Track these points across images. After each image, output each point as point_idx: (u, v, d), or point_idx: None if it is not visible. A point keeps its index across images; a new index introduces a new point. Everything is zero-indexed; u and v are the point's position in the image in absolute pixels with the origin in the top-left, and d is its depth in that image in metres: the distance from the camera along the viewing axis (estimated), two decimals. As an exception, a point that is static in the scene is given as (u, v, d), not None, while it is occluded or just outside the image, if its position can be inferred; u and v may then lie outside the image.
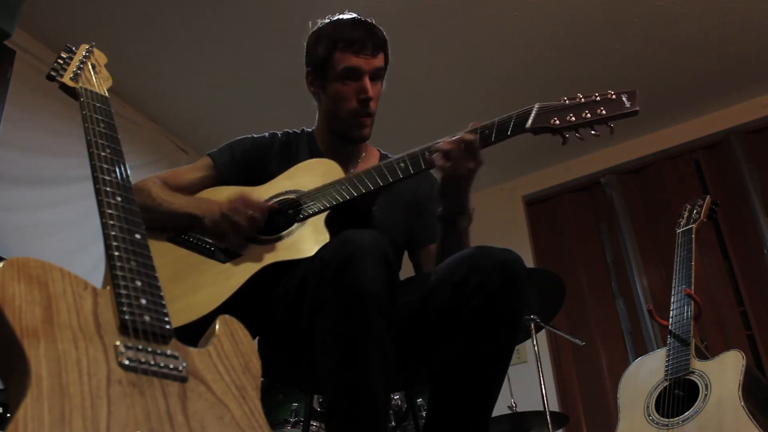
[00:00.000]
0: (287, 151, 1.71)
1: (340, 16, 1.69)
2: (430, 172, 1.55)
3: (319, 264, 1.26)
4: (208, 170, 1.67)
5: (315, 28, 1.71)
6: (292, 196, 1.54)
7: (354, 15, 1.69)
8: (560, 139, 1.45)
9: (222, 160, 1.67)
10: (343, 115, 1.64)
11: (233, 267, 1.41)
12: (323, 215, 1.47)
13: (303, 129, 1.79)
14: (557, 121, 1.42)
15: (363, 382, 1.18)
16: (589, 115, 1.41)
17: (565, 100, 1.45)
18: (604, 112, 1.41)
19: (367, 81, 1.62)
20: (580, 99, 1.44)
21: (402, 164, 1.49)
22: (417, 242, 1.73)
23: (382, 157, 1.76)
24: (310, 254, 1.38)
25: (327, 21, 1.70)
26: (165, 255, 1.47)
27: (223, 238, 1.46)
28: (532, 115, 1.43)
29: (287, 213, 1.51)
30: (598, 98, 1.43)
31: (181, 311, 1.28)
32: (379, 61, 1.64)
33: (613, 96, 1.42)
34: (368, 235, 1.25)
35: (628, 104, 1.40)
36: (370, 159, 1.75)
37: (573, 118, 1.42)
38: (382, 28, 1.68)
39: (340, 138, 1.70)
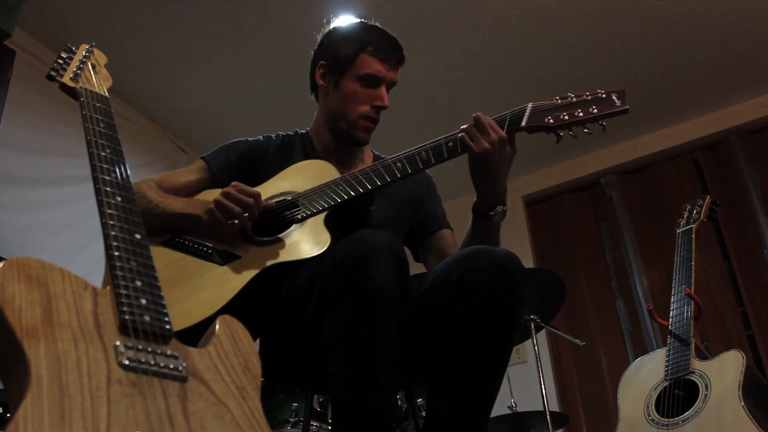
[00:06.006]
0: (283, 154, 1.70)
1: (368, 22, 1.72)
2: (425, 170, 1.56)
3: (330, 262, 1.25)
4: (203, 173, 1.66)
5: (339, 25, 1.72)
6: (288, 197, 1.53)
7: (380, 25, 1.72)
8: (554, 137, 1.47)
9: (217, 164, 1.66)
10: (351, 115, 1.65)
11: (233, 269, 1.40)
12: (322, 215, 1.47)
13: (297, 131, 1.78)
14: (551, 120, 1.45)
15: (372, 381, 1.18)
16: (581, 114, 1.45)
17: (558, 100, 1.49)
18: (596, 110, 1.44)
19: (384, 90, 1.66)
20: (572, 98, 1.48)
21: (399, 164, 1.50)
22: (420, 235, 1.74)
23: (376, 158, 1.77)
24: (312, 254, 1.38)
25: (354, 22, 1.72)
26: (160, 259, 1.45)
27: (219, 232, 1.44)
28: (527, 114, 1.46)
29: (284, 214, 1.50)
30: (589, 97, 1.47)
31: (181, 315, 1.26)
32: (395, 75, 1.69)
33: (604, 95, 1.46)
34: (382, 236, 1.25)
35: (618, 103, 1.44)
36: (366, 161, 1.76)
37: (566, 117, 1.45)
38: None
39: (341, 138, 1.69)
